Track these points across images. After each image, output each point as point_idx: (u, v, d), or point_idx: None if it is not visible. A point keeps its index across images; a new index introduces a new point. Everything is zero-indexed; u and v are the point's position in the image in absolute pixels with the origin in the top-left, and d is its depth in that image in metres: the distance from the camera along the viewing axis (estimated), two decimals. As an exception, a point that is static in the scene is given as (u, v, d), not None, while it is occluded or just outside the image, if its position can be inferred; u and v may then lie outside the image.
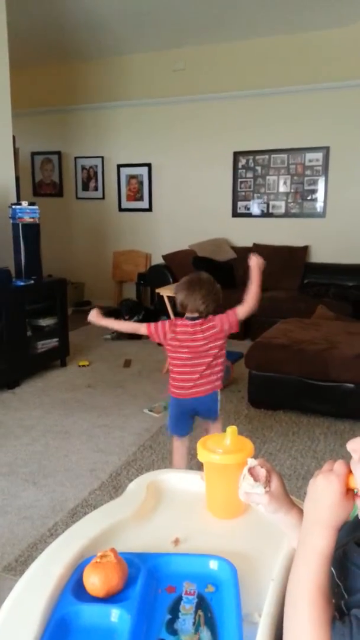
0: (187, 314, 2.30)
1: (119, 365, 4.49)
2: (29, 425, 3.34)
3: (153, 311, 5.62)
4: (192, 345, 2.26)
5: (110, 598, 0.84)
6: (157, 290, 4.60)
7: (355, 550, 0.75)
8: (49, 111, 6.70)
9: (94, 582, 0.84)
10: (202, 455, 1.05)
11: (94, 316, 2.43)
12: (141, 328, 2.35)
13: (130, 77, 6.24)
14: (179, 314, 3.89)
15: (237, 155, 5.95)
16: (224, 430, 1.08)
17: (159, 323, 2.32)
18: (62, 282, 4.49)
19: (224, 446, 1.05)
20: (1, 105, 4.32)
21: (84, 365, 4.47)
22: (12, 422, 3.39)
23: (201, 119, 6.03)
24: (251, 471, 0.93)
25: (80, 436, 3.19)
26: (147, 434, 3.19)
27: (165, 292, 4.31)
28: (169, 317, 3.83)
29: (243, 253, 5.81)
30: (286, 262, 5.57)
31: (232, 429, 1.06)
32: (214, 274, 5.58)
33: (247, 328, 5.20)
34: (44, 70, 6.58)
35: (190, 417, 2.41)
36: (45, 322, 4.36)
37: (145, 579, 0.87)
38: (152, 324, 2.32)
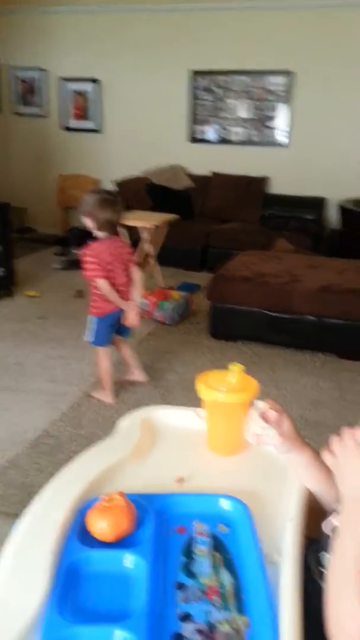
0: (104, 233, 2.51)
1: (70, 296, 4.32)
2: (-20, 356, 3.19)
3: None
4: (111, 265, 2.52)
5: (120, 542, 0.79)
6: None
7: None
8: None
9: (103, 526, 0.78)
10: (205, 393, 0.99)
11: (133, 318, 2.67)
12: (101, 283, 2.52)
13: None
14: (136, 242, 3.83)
15: (195, 74, 5.59)
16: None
17: (90, 266, 2.50)
18: (5, 207, 4.18)
19: (227, 384, 1.00)
20: None
21: (33, 296, 4.26)
22: None
23: (156, 31, 5.54)
24: (262, 413, 0.90)
25: (35, 368, 3.08)
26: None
27: (123, 221, 4.10)
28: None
29: (201, 182, 5.63)
30: (245, 193, 5.44)
31: (238, 367, 1.01)
32: (170, 203, 5.43)
33: (204, 259, 5.12)
34: None
35: (113, 327, 2.70)
36: (-12, 249, 4.09)
37: (155, 522, 0.82)
38: (92, 272, 2.51)
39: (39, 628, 0.66)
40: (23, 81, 6.15)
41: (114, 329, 2.69)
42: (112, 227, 2.50)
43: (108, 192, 2.67)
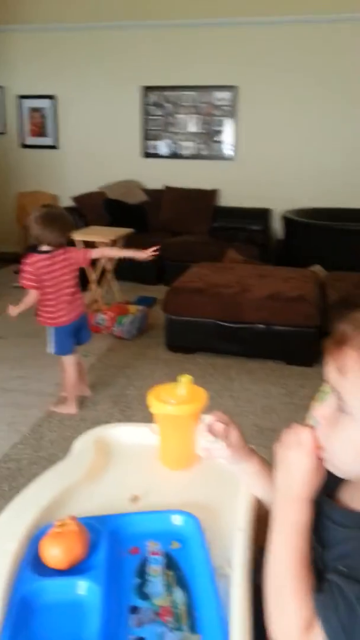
0: (47, 247, 2.57)
1: (30, 314, 4.24)
2: None
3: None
4: (54, 276, 2.58)
5: (74, 569, 0.79)
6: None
7: (327, 502, 0.74)
8: None
9: (56, 554, 0.78)
10: (155, 406, 1.00)
11: (13, 309, 2.65)
12: (31, 293, 2.60)
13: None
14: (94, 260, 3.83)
15: (146, 90, 5.66)
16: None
17: (25, 275, 2.56)
18: None
19: (177, 396, 1.01)
20: None
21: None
22: None
23: (108, 48, 5.62)
24: (209, 427, 0.91)
25: (-7, 390, 3.02)
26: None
27: (80, 236, 4.08)
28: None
29: (155, 195, 5.68)
30: (196, 205, 5.53)
31: (186, 378, 1.02)
32: (125, 217, 5.46)
33: (161, 273, 5.15)
34: None
35: (73, 337, 2.76)
36: None
37: (108, 544, 0.82)
38: (26, 281, 2.56)
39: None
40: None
41: (73, 337, 2.75)
42: (54, 243, 2.55)
43: (52, 208, 2.73)
